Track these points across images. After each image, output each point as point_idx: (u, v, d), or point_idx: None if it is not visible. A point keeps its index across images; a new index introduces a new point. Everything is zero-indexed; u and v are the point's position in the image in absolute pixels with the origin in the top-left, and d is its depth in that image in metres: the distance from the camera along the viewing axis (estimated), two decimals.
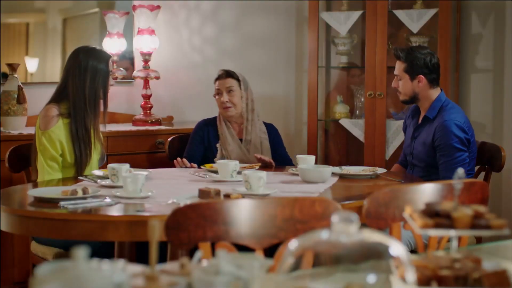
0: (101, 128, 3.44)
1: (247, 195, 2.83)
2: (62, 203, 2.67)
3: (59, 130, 3.31)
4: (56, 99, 3.38)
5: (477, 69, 4.65)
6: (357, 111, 4.80)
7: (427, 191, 2.43)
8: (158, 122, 4.48)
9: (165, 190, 2.97)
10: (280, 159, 3.83)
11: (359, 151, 4.79)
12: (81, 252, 1.25)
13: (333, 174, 3.34)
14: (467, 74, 4.68)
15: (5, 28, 4.30)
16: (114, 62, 4.40)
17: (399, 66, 3.61)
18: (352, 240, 1.40)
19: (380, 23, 4.52)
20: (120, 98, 4.62)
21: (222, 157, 3.73)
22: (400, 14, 4.54)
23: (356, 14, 4.65)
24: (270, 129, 3.93)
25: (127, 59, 4.65)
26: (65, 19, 4.53)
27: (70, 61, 3.40)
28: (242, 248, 1.97)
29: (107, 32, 4.44)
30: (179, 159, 3.67)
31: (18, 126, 4.06)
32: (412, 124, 3.70)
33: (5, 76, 4.11)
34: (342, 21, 4.67)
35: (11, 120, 4.04)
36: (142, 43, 4.43)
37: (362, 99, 4.72)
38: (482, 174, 3.68)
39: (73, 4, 4.55)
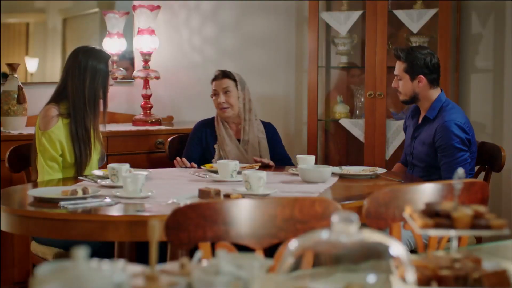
0: (101, 128, 3.44)
1: (247, 195, 2.83)
2: (62, 203, 2.67)
3: (59, 130, 3.31)
4: (55, 99, 3.38)
5: (477, 69, 4.65)
6: (357, 111, 4.80)
7: (427, 191, 2.43)
8: (158, 122, 4.48)
9: (165, 190, 2.97)
10: (279, 158, 3.82)
11: (359, 151, 4.79)
12: (81, 252, 1.25)
13: (333, 174, 3.34)
14: (467, 74, 4.68)
15: (5, 28, 4.30)
16: (114, 62, 4.40)
17: (399, 66, 3.61)
18: (352, 240, 1.40)
19: (380, 23, 4.52)
20: (120, 98, 4.62)
21: (220, 158, 3.73)
22: (400, 14, 4.54)
23: (356, 14, 4.65)
24: (268, 128, 3.93)
25: (127, 59, 4.65)
26: (65, 19, 4.53)
27: (70, 61, 3.40)
28: (242, 248, 1.97)
29: (107, 32, 4.44)
30: (178, 158, 3.67)
31: (18, 126, 4.06)
32: (412, 124, 3.70)
33: (5, 76, 4.11)
34: (342, 21, 4.67)
35: (11, 120, 4.04)
36: (142, 43, 4.43)
37: (362, 99, 4.72)
38: (482, 174, 3.68)
39: (73, 4, 4.55)
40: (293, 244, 1.45)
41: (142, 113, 4.50)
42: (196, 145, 3.85)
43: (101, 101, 3.39)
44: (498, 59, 4.57)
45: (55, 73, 4.43)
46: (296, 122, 5.11)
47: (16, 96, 4.04)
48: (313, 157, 3.52)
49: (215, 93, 3.81)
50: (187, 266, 1.50)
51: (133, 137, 4.26)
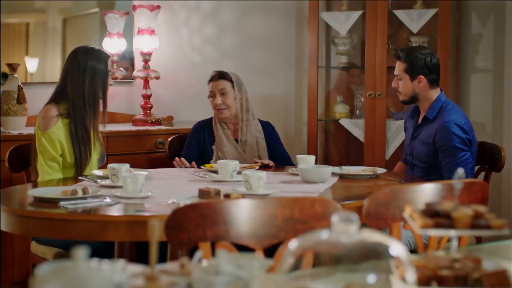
0: (101, 128, 3.44)
1: (247, 195, 2.83)
2: (62, 203, 2.67)
3: (59, 131, 3.31)
4: (55, 99, 3.37)
5: (477, 69, 4.65)
6: (357, 111, 4.80)
7: (427, 191, 2.43)
8: (158, 122, 4.48)
9: (165, 190, 2.97)
10: (278, 157, 3.82)
11: (359, 151, 4.79)
12: (81, 252, 1.25)
13: (333, 174, 3.34)
14: (467, 74, 4.68)
15: (5, 28, 4.30)
16: (114, 62, 4.40)
17: (399, 66, 3.61)
18: (352, 240, 1.40)
19: (380, 23, 4.52)
20: (120, 98, 4.62)
21: (218, 159, 3.72)
22: (400, 14, 4.54)
23: (356, 14, 4.65)
24: (267, 127, 3.92)
25: (127, 59, 4.65)
26: (65, 19, 4.53)
27: (69, 61, 3.40)
28: (242, 248, 1.97)
29: (107, 32, 4.44)
30: (177, 159, 3.67)
31: (18, 126, 4.06)
32: (412, 124, 3.70)
33: (5, 76, 4.11)
34: (342, 21, 4.67)
35: (11, 120, 4.04)
36: (142, 43, 4.43)
37: (362, 99, 4.72)
38: (482, 174, 3.68)
39: (73, 4, 4.55)
40: (293, 244, 1.45)
41: (142, 113, 4.50)
42: (194, 147, 3.85)
43: (101, 101, 3.39)
44: (498, 59, 4.57)
45: (55, 73, 4.42)
46: (296, 122, 5.11)
47: (16, 96, 4.04)
48: (313, 157, 3.52)
49: (212, 95, 3.80)
50: (187, 266, 1.50)
51: (133, 137, 4.26)
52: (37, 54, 4.45)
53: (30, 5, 4.46)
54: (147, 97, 4.51)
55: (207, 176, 3.31)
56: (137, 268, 1.49)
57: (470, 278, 1.56)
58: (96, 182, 3.12)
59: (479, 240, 3.40)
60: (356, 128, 4.68)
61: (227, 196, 2.73)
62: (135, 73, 4.51)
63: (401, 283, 1.42)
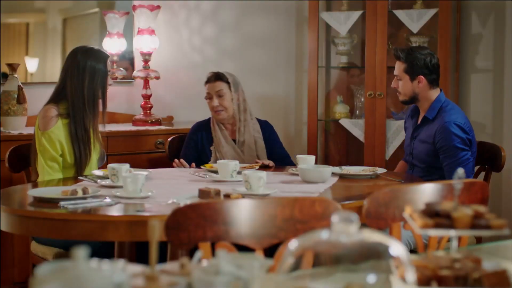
0: (101, 128, 3.44)
1: (247, 195, 2.83)
2: (62, 203, 2.67)
3: (59, 131, 3.31)
4: (54, 99, 3.37)
5: (477, 69, 4.65)
6: (357, 111, 4.80)
7: (427, 191, 2.43)
8: (158, 122, 4.48)
9: (165, 190, 2.97)
10: (277, 157, 3.82)
11: (359, 151, 4.79)
12: (81, 252, 1.25)
13: (333, 174, 3.34)
14: (467, 74, 4.68)
15: (5, 28, 4.30)
16: (114, 62, 4.41)
17: (399, 67, 3.61)
18: (352, 240, 1.40)
19: (380, 23, 4.52)
20: (120, 98, 4.62)
21: (216, 160, 3.72)
22: (400, 14, 4.54)
23: (356, 14, 4.65)
24: (265, 126, 3.92)
25: (127, 59, 4.65)
26: (65, 19, 4.53)
27: (68, 61, 3.40)
28: (242, 248, 1.97)
29: (107, 32, 4.44)
30: (176, 160, 3.67)
31: (18, 126, 4.06)
32: (412, 124, 3.70)
33: (5, 76, 4.11)
34: (342, 21, 4.67)
35: (11, 120, 4.04)
36: (142, 43, 4.43)
37: (362, 99, 4.72)
38: (482, 174, 3.68)
39: (73, 4, 4.55)
40: (293, 244, 1.45)
41: (142, 113, 4.50)
42: (192, 150, 3.85)
43: (100, 101, 3.39)
44: (498, 59, 4.57)
45: (55, 73, 4.42)
46: (296, 122, 5.11)
47: (16, 96, 4.04)
48: (313, 157, 3.52)
49: (209, 96, 3.80)
50: (187, 266, 1.50)
51: (133, 137, 4.26)
52: (37, 54, 4.45)
53: (30, 5, 4.46)
54: (147, 97, 4.51)
55: (207, 176, 3.31)
56: (137, 268, 1.49)
57: (470, 278, 1.56)
58: (96, 182, 3.12)
59: (479, 240, 3.40)
60: (356, 128, 4.68)
61: (227, 196, 2.73)
62: (135, 73, 4.51)
63: (401, 283, 1.42)
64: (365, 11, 4.58)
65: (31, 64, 4.43)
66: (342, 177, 3.36)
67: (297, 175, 3.31)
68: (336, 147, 5.08)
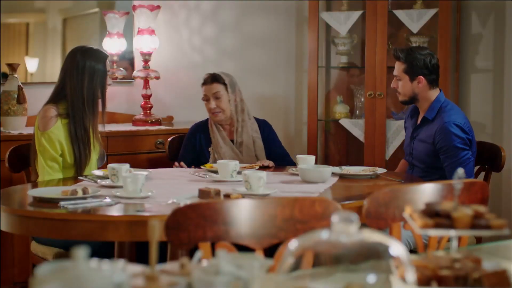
0: (100, 128, 3.44)
1: (247, 195, 2.83)
2: (62, 203, 2.67)
3: (58, 131, 3.31)
4: (54, 99, 3.37)
5: (477, 69, 4.65)
6: (357, 111, 4.80)
7: (427, 191, 2.43)
8: (158, 122, 4.48)
9: (165, 190, 2.97)
10: (277, 156, 3.82)
11: (359, 151, 4.79)
12: (81, 252, 1.25)
13: (333, 174, 3.34)
14: (467, 74, 4.68)
15: (5, 28, 4.30)
16: (114, 62, 4.41)
17: (398, 67, 3.61)
18: (352, 240, 1.40)
19: (380, 23, 4.52)
20: (120, 98, 4.62)
21: (215, 161, 3.72)
22: (400, 14, 4.54)
23: (356, 14, 4.65)
24: (263, 125, 3.91)
25: (127, 59, 4.65)
26: (65, 19, 4.53)
27: (68, 62, 3.40)
28: (242, 248, 1.97)
29: (107, 32, 4.44)
30: (176, 163, 3.68)
31: (18, 126, 4.06)
32: (411, 124, 3.70)
33: (5, 76, 4.11)
34: (342, 21, 4.67)
35: (11, 120, 4.04)
36: (142, 43, 4.43)
37: (362, 99, 4.72)
38: (482, 174, 3.68)
39: (73, 4, 4.55)
40: (293, 244, 1.45)
41: (142, 113, 4.50)
42: (190, 151, 3.85)
43: (100, 101, 3.39)
44: (498, 59, 4.57)
45: (55, 73, 4.42)
46: (296, 122, 5.11)
47: (16, 96, 4.04)
48: (313, 157, 3.52)
49: (206, 98, 3.80)
50: (187, 266, 1.50)
51: (133, 137, 4.26)
52: (37, 54, 4.45)
53: (30, 5, 4.46)
54: (147, 97, 4.51)
55: (207, 176, 3.31)
56: (137, 268, 1.49)
57: (470, 278, 1.56)
58: (96, 182, 3.12)
59: (479, 240, 3.40)
60: (356, 128, 4.68)
61: (227, 196, 2.73)
62: (135, 73, 4.51)
63: (401, 283, 1.42)
64: (365, 11, 4.58)
65: (31, 64, 4.43)
66: (342, 177, 3.36)
67: (297, 175, 3.31)
68: (336, 147, 5.08)
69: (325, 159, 5.04)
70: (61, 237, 2.81)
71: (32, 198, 2.79)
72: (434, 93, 3.58)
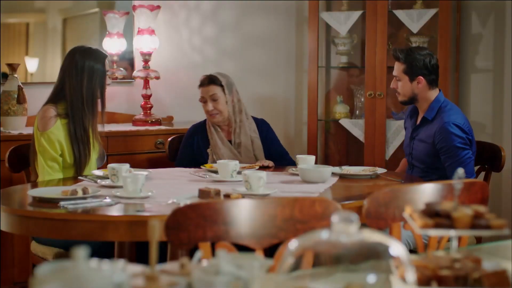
0: (100, 128, 3.44)
1: (247, 195, 2.83)
2: (62, 203, 2.67)
3: (58, 131, 3.30)
4: (53, 99, 3.37)
5: (477, 69, 4.66)
6: (357, 111, 4.80)
7: (427, 191, 2.43)
8: (158, 122, 4.48)
9: (165, 190, 2.97)
10: (276, 156, 3.81)
11: (359, 151, 4.79)
12: (81, 252, 1.25)
13: (333, 174, 3.34)
14: (467, 74, 4.68)
15: (5, 28, 4.30)
16: (114, 62, 4.41)
17: (398, 67, 3.61)
18: (352, 240, 1.40)
19: (380, 23, 4.52)
20: (120, 98, 4.62)
21: (213, 162, 3.71)
22: (400, 14, 4.54)
23: (356, 14, 4.65)
24: (262, 125, 3.90)
25: (127, 59, 4.65)
26: (65, 19, 4.53)
27: (67, 62, 3.39)
28: (242, 248, 1.97)
29: (107, 32, 4.44)
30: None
31: (18, 126, 4.06)
32: (411, 124, 3.70)
33: (5, 76, 4.11)
34: (342, 21, 4.67)
35: (11, 120, 4.04)
36: (142, 43, 4.43)
37: (362, 99, 4.72)
38: (482, 174, 3.68)
39: (73, 4, 4.55)
40: (293, 244, 1.45)
41: (142, 113, 4.50)
42: (188, 153, 3.84)
43: (99, 101, 3.39)
44: (498, 59, 4.57)
45: (55, 73, 4.38)
46: (296, 122, 5.11)
47: (16, 96, 4.04)
48: (313, 157, 3.52)
49: (203, 100, 3.79)
50: (187, 266, 1.50)
51: (133, 137, 4.25)
52: (37, 54, 4.45)
53: (30, 5, 4.46)
54: (147, 97, 4.51)
55: (207, 176, 3.31)
56: (137, 268, 1.49)
57: (470, 278, 1.56)
58: (96, 182, 3.12)
59: (479, 240, 3.40)
60: (356, 128, 4.68)
61: (227, 196, 2.73)
62: (135, 73, 4.51)
63: (401, 283, 1.42)
64: (365, 11, 4.58)
65: (31, 64, 4.43)
66: (342, 177, 3.36)
67: (297, 175, 3.31)
68: (336, 147, 5.08)
69: (325, 159, 5.04)
70: (61, 237, 2.81)
71: (32, 198, 2.79)
72: (434, 93, 3.58)
